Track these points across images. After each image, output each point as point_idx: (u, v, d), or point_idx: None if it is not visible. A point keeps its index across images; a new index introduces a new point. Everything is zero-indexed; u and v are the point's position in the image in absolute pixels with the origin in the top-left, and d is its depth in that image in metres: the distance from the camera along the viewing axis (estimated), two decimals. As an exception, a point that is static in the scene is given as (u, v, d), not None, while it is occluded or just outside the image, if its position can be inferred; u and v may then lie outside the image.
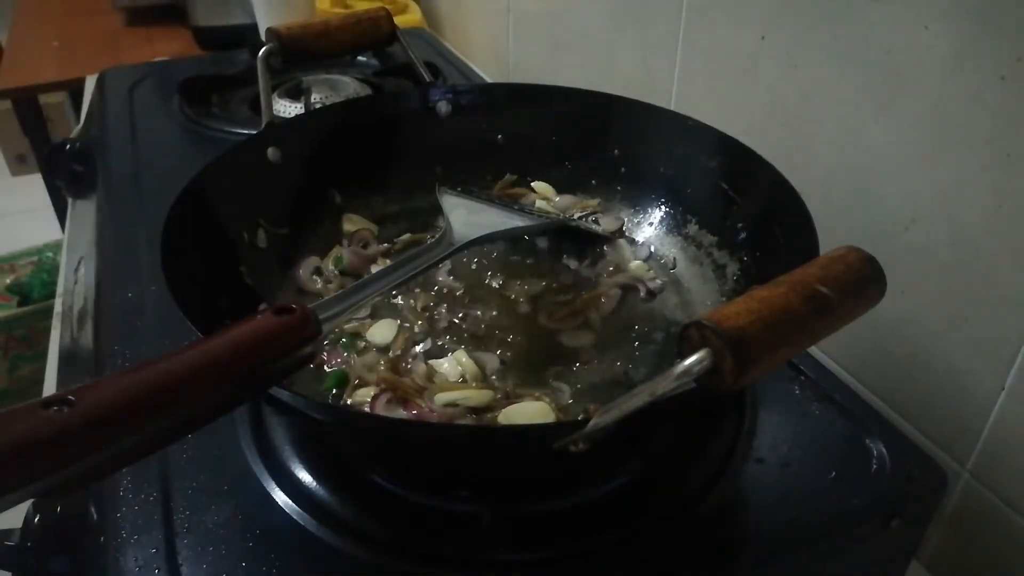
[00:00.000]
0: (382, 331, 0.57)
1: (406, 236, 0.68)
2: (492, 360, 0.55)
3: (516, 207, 0.67)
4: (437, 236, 0.57)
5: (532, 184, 0.71)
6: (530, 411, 0.49)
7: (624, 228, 0.68)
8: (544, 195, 0.70)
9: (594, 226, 0.67)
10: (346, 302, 0.45)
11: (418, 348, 0.56)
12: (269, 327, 0.36)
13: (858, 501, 0.49)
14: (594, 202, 0.69)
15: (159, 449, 0.34)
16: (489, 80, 1.18)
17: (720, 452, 0.52)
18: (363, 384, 0.53)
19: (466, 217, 0.61)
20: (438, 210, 0.66)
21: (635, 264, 0.65)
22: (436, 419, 0.49)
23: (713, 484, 0.50)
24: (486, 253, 0.65)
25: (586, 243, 0.66)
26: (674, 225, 0.65)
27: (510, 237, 0.65)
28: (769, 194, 0.55)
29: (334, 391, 0.53)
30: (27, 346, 1.56)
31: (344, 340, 0.56)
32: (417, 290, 0.61)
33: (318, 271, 0.63)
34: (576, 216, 0.68)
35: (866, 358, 0.63)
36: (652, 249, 0.66)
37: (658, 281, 0.62)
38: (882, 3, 0.55)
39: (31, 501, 0.48)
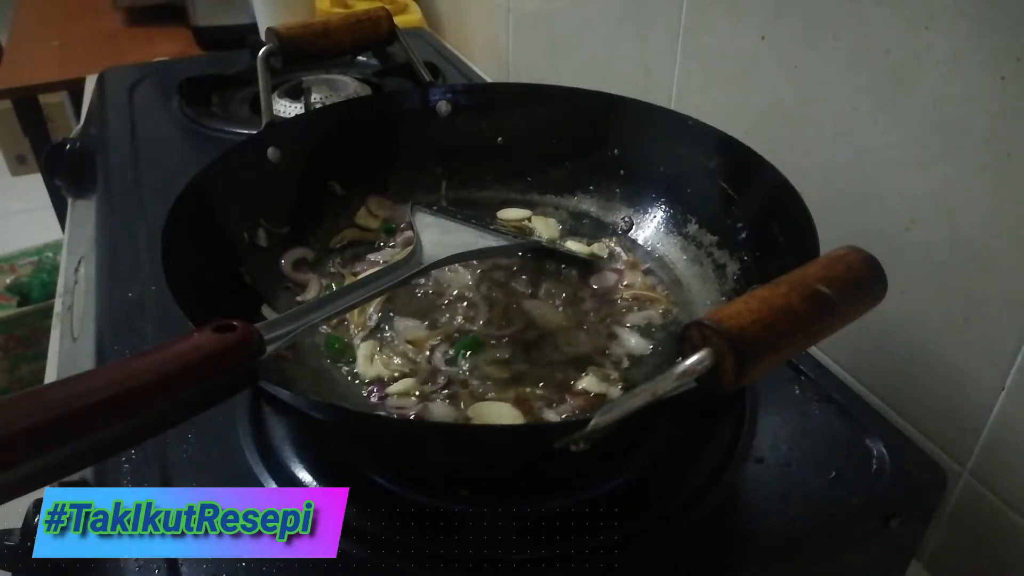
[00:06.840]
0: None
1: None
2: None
3: (492, 227, 0.64)
4: (406, 255, 0.55)
5: (535, 220, 0.69)
6: (498, 411, 0.50)
7: (625, 228, 0.68)
8: (549, 234, 0.68)
9: (569, 248, 0.65)
10: (298, 321, 0.42)
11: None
12: (205, 346, 0.33)
13: (858, 501, 0.49)
14: (599, 244, 0.66)
15: (67, 475, 0.31)
16: (489, 80, 1.18)
17: (720, 452, 0.52)
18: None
19: (438, 236, 0.58)
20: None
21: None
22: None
23: (713, 484, 0.50)
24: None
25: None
26: (674, 225, 0.65)
27: (482, 258, 0.62)
28: (769, 194, 0.55)
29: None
30: (27, 346, 1.56)
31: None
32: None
33: (303, 262, 0.63)
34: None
35: (866, 358, 0.63)
36: (651, 249, 0.66)
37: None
38: (882, 3, 0.55)
39: (32, 501, 0.48)
